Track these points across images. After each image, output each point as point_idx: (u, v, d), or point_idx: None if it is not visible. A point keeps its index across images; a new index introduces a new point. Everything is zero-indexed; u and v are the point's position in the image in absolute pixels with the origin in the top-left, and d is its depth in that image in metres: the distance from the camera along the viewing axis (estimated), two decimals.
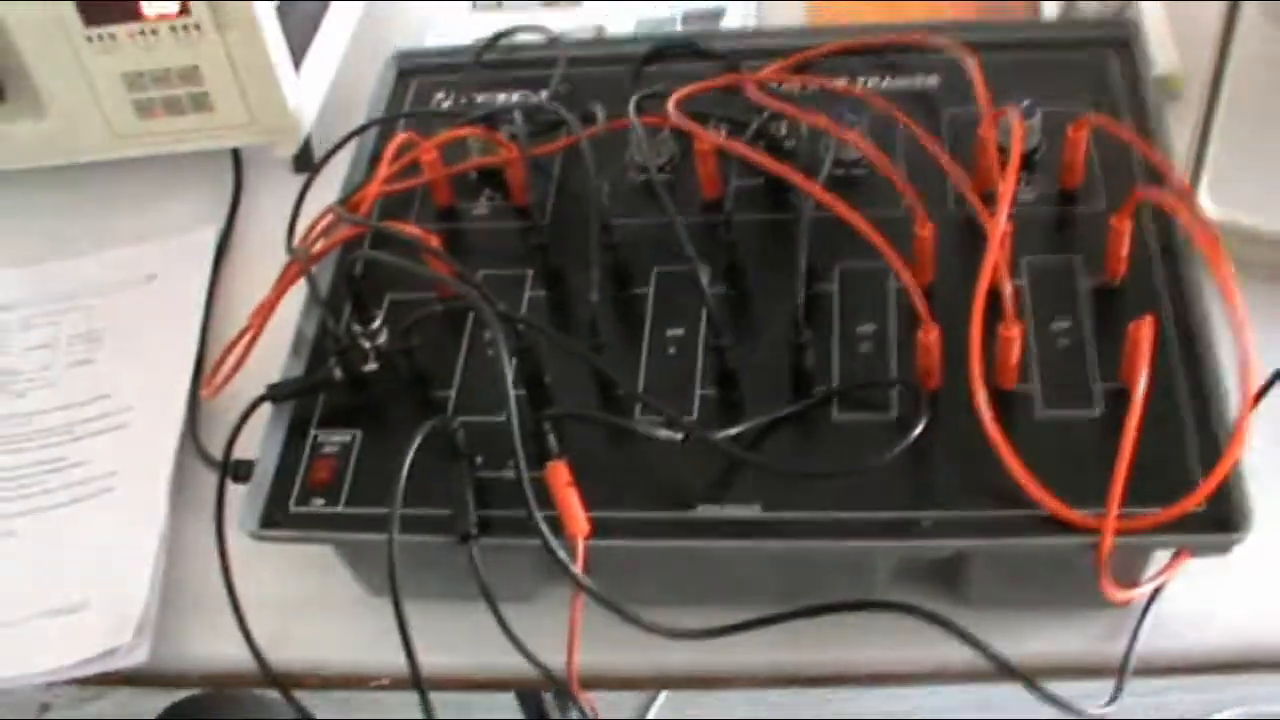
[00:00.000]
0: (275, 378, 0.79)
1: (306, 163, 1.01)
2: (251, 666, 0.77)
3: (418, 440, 0.70)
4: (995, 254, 0.68)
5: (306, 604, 0.81)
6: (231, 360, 0.85)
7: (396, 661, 0.70)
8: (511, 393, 0.68)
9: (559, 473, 0.69)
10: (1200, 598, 0.73)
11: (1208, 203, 0.85)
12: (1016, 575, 0.72)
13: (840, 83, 0.86)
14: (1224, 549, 0.66)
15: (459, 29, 1.07)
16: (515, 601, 0.72)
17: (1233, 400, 0.68)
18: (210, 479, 0.78)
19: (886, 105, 0.79)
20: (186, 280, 0.99)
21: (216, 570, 0.76)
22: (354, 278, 0.76)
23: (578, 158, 0.84)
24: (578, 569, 0.67)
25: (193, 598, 0.82)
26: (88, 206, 1.06)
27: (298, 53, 0.98)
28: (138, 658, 0.79)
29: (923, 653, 0.73)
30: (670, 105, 0.77)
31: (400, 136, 0.84)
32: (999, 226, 0.69)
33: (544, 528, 0.67)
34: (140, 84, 0.98)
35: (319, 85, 1.02)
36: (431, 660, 0.75)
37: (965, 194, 0.72)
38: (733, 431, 0.71)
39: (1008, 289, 0.68)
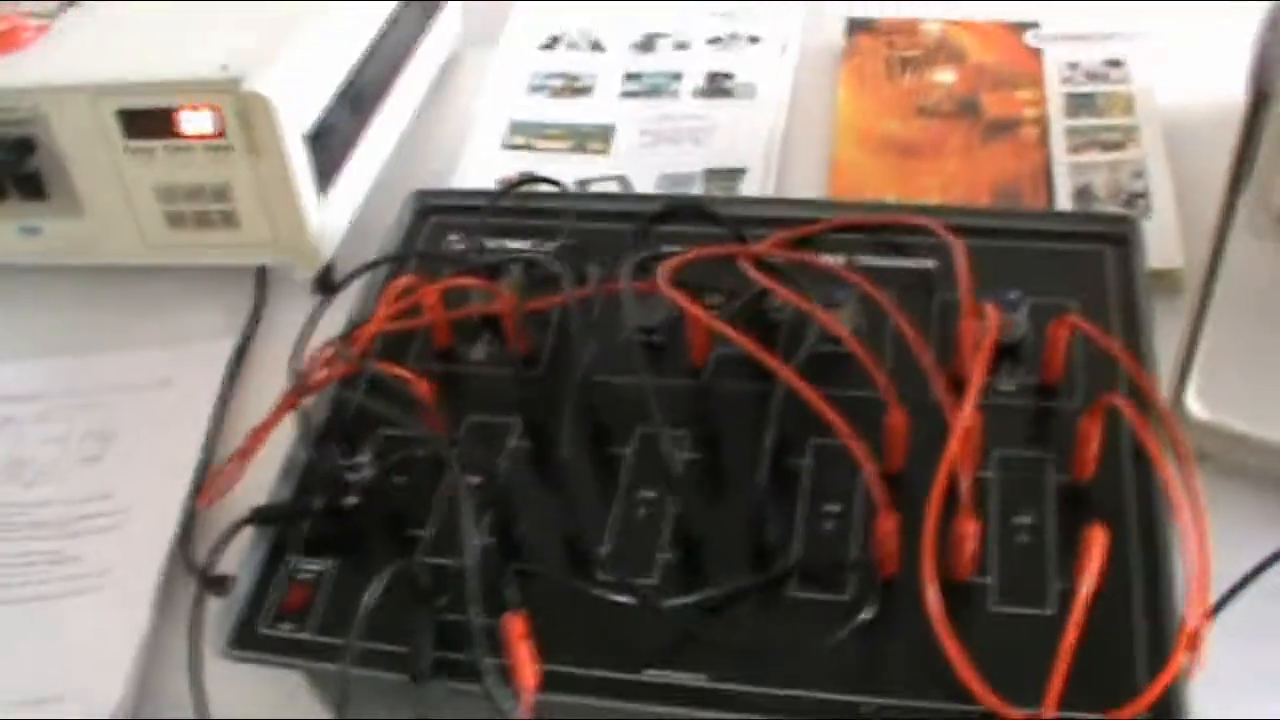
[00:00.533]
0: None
1: (327, 286, 1.04)
2: None
3: (385, 578, 0.72)
4: (955, 447, 0.69)
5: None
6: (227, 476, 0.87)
7: None
8: (471, 543, 0.70)
9: (514, 625, 0.71)
10: None
11: (1195, 405, 0.85)
12: None
13: (829, 260, 0.87)
14: None
15: (488, 167, 1.11)
16: None
17: (1193, 608, 0.68)
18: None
19: (870, 287, 0.81)
20: (199, 389, 1.02)
21: None
22: (343, 414, 0.78)
23: (581, 311, 0.86)
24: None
25: (169, 706, 0.83)
26: (113, 306, 1.10)
27: (325, 180, 1.01)
28: None
29: None
30: (661, 273, 0.79)
31: (403, 280, 0.86)
32: (962, 420, 0.70)
33: (487, 679, 0.68)
34: (173, 197, 1.02)
35: (344, 213, 1.05)
36: None
37: (934, 385, 0.73)
38: (684, 600, 0.72)
39: (965, 484, 0.69)
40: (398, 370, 0.81)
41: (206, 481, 0.92)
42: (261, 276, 1.09)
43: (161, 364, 1.05)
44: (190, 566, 0.89)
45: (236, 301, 1.09)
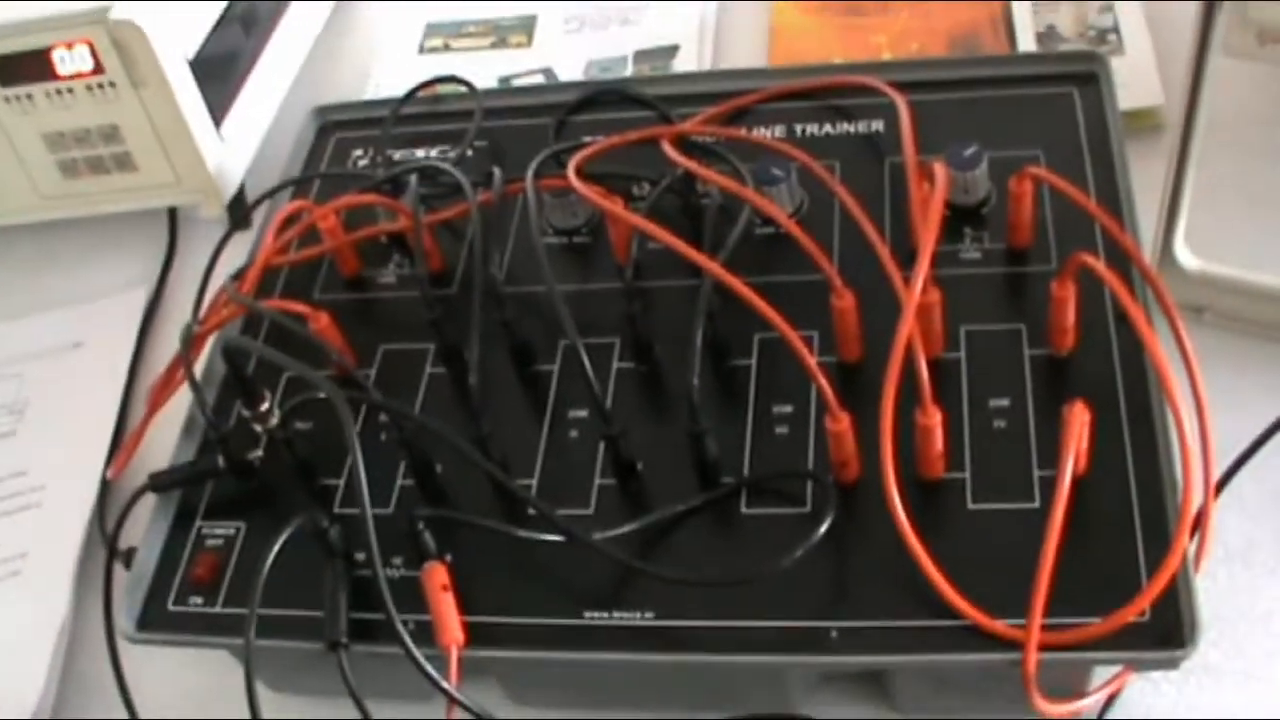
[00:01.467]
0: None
1: (243, 222, 0.96)
2: None
3: (280, 540, 0.64)
4: (907, 328, 0.61)
5: (208, 697, 0.75)
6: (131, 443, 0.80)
7: None
8: (364, 488, 0.62)
9: (434, 576, 0.63)
10: (1169, 698, 0.66)
11: (1184, 254, 0.76)
12: (945, 685, 0.64)
13: (762, 134, 0.78)
14: (1168, 665, 0.58)
15: (402, 76, 1.02)
16: (416, 701, 0.67)
17: (1195, 489, 0.60)
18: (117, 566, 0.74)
19: (809, 159, 0.72)
20: (112, 349, 0.94)
21: None
22: (235, 361, 0.70)
23: (499, 217, 0.78)
24: (450, 680, 0.61)
25: (94, 690, 0.78)
26: (21, 268, 1.03)
27: (220, 109, 0.93)
28: None
29: None
30: (570, 170, 0.70)
31: (288, 206, 0.78)
32: (913, 297, 0.61)
33: (406, 638, 0.61)
34: (62, 144, 0.94)
35: (247, 142, 0.97)
36: None
37: (881, 259, 0.64)
38: (620, 531, 0.64)
39: (922, 367, 0.61)
40: (290, 305, 0.73)
41: (116, 450, 0.84)
42: (173, 218, 1.01)
43: (72, 324, 0.97)
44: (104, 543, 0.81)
45: (150, 248, 1.01)
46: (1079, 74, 0.80)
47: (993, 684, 0.63)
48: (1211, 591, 0.67)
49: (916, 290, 0.61)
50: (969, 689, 0.64)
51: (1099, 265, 0.61)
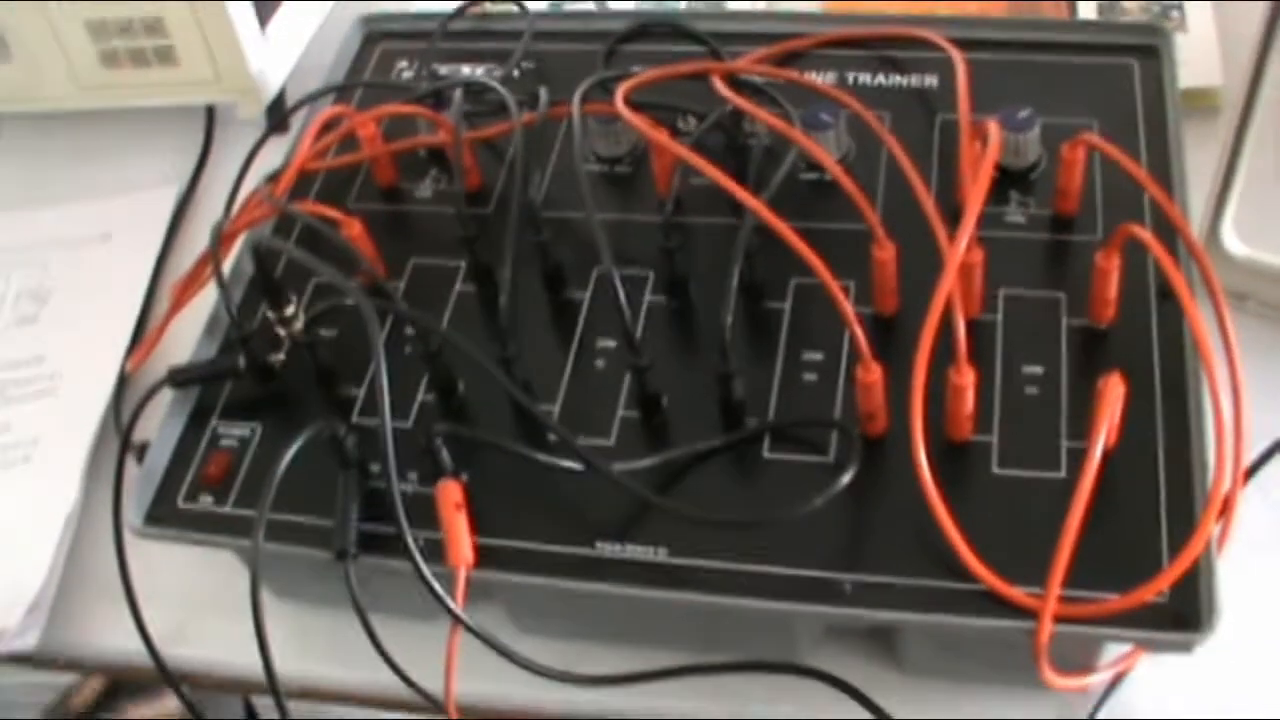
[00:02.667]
0: None
1: (281, 125, 0.95)
2: (147, 660, 0.73)
3: (297, 444, 0.63)
4: (948, 283, 0.59)
5: (211, 599, 0.75)
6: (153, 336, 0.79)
7: (295, 669, 0.69)
8: (386, 398, 0.61)
9: (448, 493, 0.63)
10: (1173, 676, 0.65)
11: (1232, 239, 0.75)
12: (954, 647, 0.64)
13: (816, 78, 0.77)
14: (1183, 649, 0.57)
15: None
16: (419, 619, 0.66)
17: (1225, 473, 0.59)
18: (130, 459, 0.73)
19: (860, 107, 0.71)
20: (141, 242, 0.94)
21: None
22: (264, 261, 0.69)
23: (540, 140, 0.77)
24: (457, 600, 0.61)
25: (98, 583, 0.77)
26: (55, 157, 1.02)
27: (265, 11, 0.92)
28: (26, 642, 0.74)
29: (852, 713, 0.64)
30: (618, 97, 0.69)
31: (327, 111, 0.77)
32: (956, 251, 0.60)
33: (416, 553, 0.60)
34: (105, 33, 0.93)
35: (291, 46, 0.96)
36: (324, 672, 0.72)
37: (926, 213, 0.63)
38: (639, 465, 0.63)
39: (959, 326, 0.60)
40: (323, 210, 0.72)
41: (137, 343, 0.83)
42: (210, 118, 1.00)
43: (102, 216, 0.96)
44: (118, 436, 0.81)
45: (185, 146, 1.00)
46: (1140, 46, 0.79)
47: (1001, 651, 0.62)
48: (1230, 578, 0.66)
49: (960, 246, 0.60)
50: (978, 654, 0.64)
51: (1147, 236, 0.60)
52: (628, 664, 0.64)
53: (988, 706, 0.66)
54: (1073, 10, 0.91)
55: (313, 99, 0.84)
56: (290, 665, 0.67)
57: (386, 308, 0.68)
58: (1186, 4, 0.90)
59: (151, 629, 0.73)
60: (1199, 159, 0.74)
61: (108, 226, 0.95)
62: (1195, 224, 0.72)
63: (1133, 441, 0.62)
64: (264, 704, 1.14)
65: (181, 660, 0.74)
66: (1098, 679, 0.62)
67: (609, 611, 0.66)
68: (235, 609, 0.63)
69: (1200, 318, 0.60)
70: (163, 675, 0.74)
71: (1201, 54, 0.87)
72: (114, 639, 0.75)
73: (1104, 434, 0.57)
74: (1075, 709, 0.64)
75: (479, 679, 0.64)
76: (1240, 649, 0.63)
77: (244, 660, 0.67)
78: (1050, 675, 0.58)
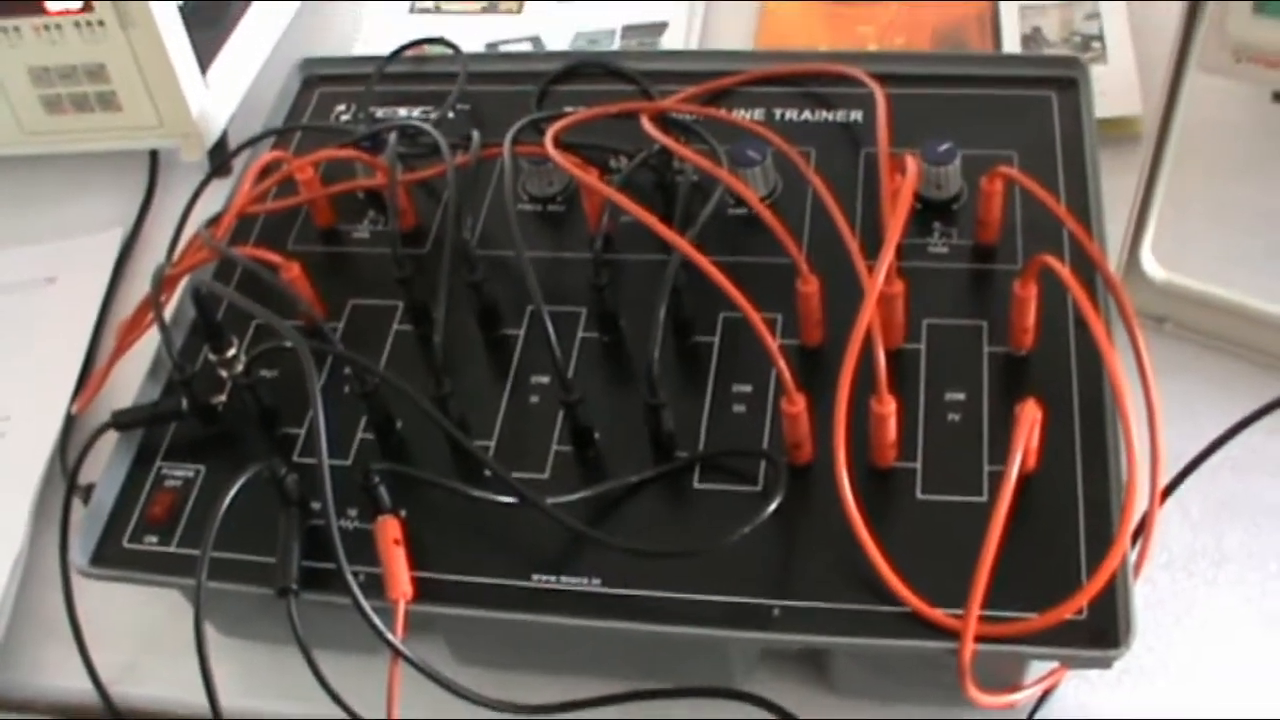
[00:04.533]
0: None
1: (223, 168, 0.96)
2: (96, 700, 0.74)
3: (237, 485, 0.65)
4: (867, 316, 0.61)
5: (159, 638, 0.76)
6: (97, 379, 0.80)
7: (242, 705, 0.69)
8: (323, 439, 0.63)
9: (387, 529, 0.64)
10: (1101, 690, 0.67)
11: (1151, 264, 0.77)
12: (885, 669, 0.65)
13: (744, 115, 0.79)
14: (1101, 665, 0.59)
15: (393, 33, 1.02)
16: (363, 652, 0.67)
17: (1140, 494, 0.61)
18: (76, 501, 0.74)
19: (785, 144, 0.73)
20: (85, 286, 0.94)
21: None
22: (204, 306, 0.70)
23: (475, 181, 0.78)
24: (396, 633, 0.62)
25: (46, 624, 0.78)
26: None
27: (207, 55, 0.93)
28: None
29: None
30: (549, 138, 0.71)
31: (266, 155, 0.78)
32: (875, 286, 0.62)
33: (355, 588, 0.61)
34: (47, 79, 0.94)
35: (232, 90, 0.97)
36: (271, 707, 0.73)
37: (848, 247, 0.65)
38: (573, 497, 0.65)
39: (879, 356, 0.61)
40: (263, 254, 0.73)
41: (83, 386, 0.84)
42: (154, 161, 1.01)
43: (47, 260, 0.97)
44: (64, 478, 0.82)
45: (129, 189, 1.01)
46: (1059, 79, 0.81)
47: (930, 671, 0.64)
48: (1149, 596, 0.69)
49: (879, 278, 0.62)
50: (907, 675, 0.65)
51: (1061, 268, 0.62)
52: (567, 692, 0.65)
53: None
54: (998, 43, 0.94)
55: (254, 142, 0.85)
56: (237, 701, 0.68)
57: (324, 349, 0.69)
58: (1107, 35, 0.92)
59: (101, 669, 0.74)
60: (1120, 185, 0.76)
61: (53, 270, 0.96)
62: (1113, 250, 0.75)
63: (1051, 464, 0.64)
64: None
65: (131, 699, 0.75)
66: (1025, 695, 0.63)
67: (547, 641, 0.68)
68: (183, 647, 0.64)
69: (1111, 348, 0.62)
70: (112, 715, 0.74)
71: (1121, 84, 0.89)
72: (64, 680, 0.76)
73: (1020, 457, 0.59)
74: None
75: (421, 709, 0.65)
76: (1163, 665, 0.65)
77: (193, 698, 0.68)
78: (975, 693, 0.60)
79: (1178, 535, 0.71)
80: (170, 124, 0.94)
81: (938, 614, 0.60)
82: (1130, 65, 0.91)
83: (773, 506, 0.63)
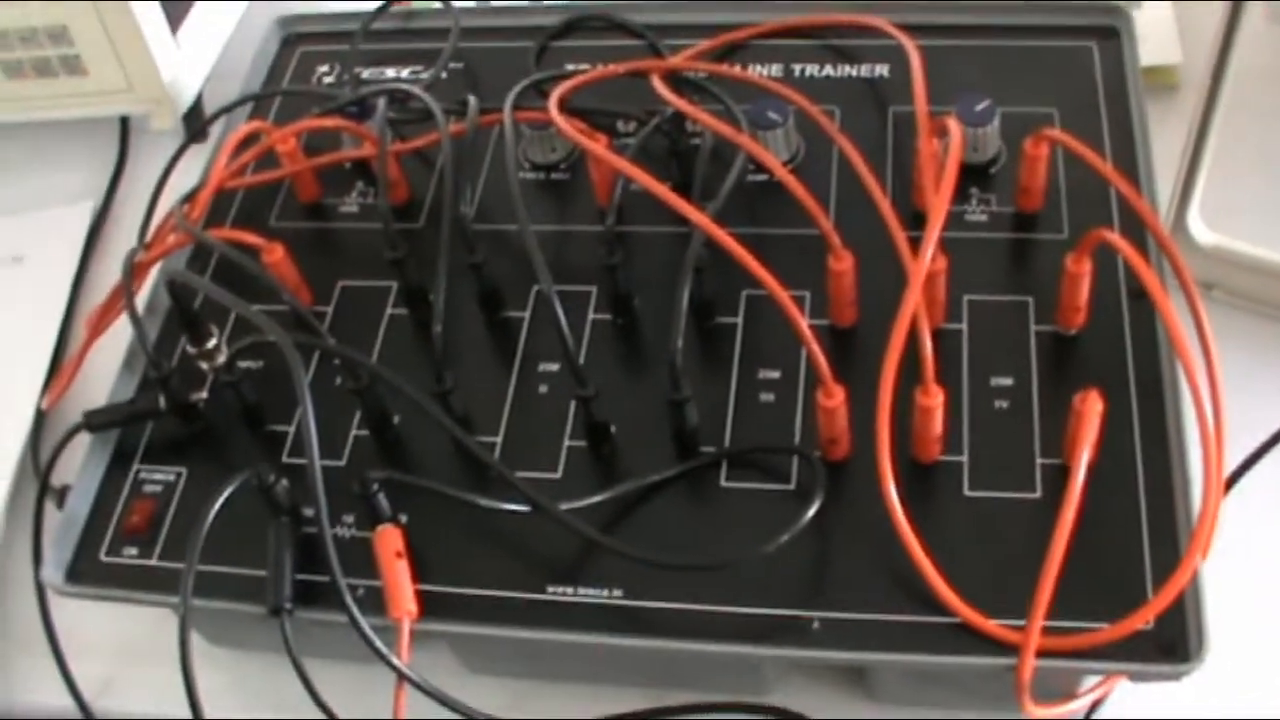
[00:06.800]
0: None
1: (199, 135, 0.90)
2: (77, 714, 0.70)
3: (222, 497, 0.59)
4: (913, 302, 0.56)
5: (141, 648, 0.71)
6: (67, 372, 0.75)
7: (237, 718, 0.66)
8: (314, 443, 0.57)
9: (387, 540, 0.59)
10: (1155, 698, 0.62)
11: (1199, 227, 0.72)
12: (929, 680, 0.60)
13: (760, 73, 0.73)
14: (1171, 678, 0.54)
15: None
16: (360, 662, 0.61)
17: (1214, 492, 0.55)
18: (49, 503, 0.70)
19: (809, 104, 0.67)
20: (54, 266, 0.89)
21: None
22: (180, 296, 0.65)
23: (472, 147, 0.72)
24: (400, 655, 0.56)
25: (23, 636, 0.73)
26: None
27: (175, 15, 0.87)
28: None
29: None
30: (552, 103, 0.65)
31: (245, 127, 0.72)
32: (920, 270, 0.56)
33: (354, 609, 0.56)
34: (6, 43, 0.88)
35: (206, 51, 0.91)
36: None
37: (887, 222, 0.59)
38: (589, 501, 0.59)
39: (927, 346, 0.56)
40: (241, 235, 0.67)
41: (54, 376, 0.79)
42: (125, 129, 0.95)
43: (12, 236, 0.91)
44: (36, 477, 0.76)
45: (100, 160, 0.95)
46: (1100, 27, 0.75)
47: (979, 682, 0.59)
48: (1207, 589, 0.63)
49: (925, 260, 0.57)
50: (953, 685, 0.60)
51: (1122, 243, 0.57)
52: (583, 703, 0.62)
53: None
54: None
55: (230, 109, 0.79)
56: (228, 713, 0.64)
57: (312, 344, 0.63)
58: None
59: (80, 681, 0.70)
60: (1158, 141, 0.71)
61: (19, 248, 0.90)
62: (1161, 213, 0.69)
63: (1109, 455, 0.59)
64: None
65: (112, 713, 0.71)
66: (1078, 705, 0.59)
67: (564, 654, 0.62)
68: (167, 657, 0.60)
69: (1178, 322, 0.56)
70: None
71: (1159, 31, 0.84)
72: (43, 694, 0.71)
73: (1085, 458, 0.54)
74: None
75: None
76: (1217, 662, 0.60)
77: (178, 711, 0.63)
78: (1031, 708, 0.55)
79: (1236, 526, 0.65)
80: (140, 89, 0.88)
81: (993, 626, 0.55)
82: (1168, 12, 0.85)
83: (812, 510, 0.57)
